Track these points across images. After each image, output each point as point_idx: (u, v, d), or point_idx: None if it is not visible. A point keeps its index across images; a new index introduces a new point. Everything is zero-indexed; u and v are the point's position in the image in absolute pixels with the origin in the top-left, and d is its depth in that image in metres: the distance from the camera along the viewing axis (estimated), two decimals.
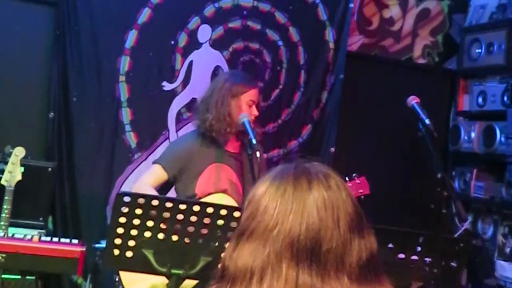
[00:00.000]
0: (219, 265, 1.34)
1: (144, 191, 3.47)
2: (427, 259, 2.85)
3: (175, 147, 3.76)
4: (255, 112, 3.64)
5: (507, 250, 4.57)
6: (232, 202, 3.42)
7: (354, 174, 3.70)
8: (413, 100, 3.40)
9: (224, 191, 3.55)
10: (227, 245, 1.34)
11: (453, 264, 2.88)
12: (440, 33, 5.36)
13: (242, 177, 3.66)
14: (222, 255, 1.33)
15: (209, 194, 3.53)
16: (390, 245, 2.79)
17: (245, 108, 3.59)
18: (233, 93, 3.60)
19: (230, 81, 3.66)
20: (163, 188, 3.70)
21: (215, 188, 3.56)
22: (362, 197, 3.64)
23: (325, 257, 1.25)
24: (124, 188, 4.24)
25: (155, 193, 3.56)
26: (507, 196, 4.59)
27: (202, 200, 3.41)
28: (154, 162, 3.69)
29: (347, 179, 3.61)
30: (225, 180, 3.61)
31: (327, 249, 1.26)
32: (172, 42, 4.45)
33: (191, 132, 3.80)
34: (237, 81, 3.66)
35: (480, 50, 5.03)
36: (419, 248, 2.83)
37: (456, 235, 3.38)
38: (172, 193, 3.74)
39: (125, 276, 3.30)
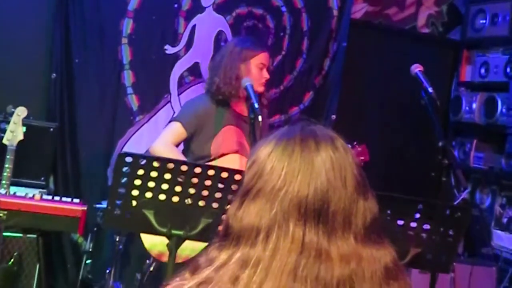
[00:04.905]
0: (222, 224, 1.33)
1: (168, 150, 3.48)
2: (426, 226, 2.87)
3: (194, 106, 3.73)
4: (266, 75, 3.67)
5: (504, 220, 4.61)
6: (244, 163, 3.42)
7: (354, 142, 3.70)
8: (416, 68, 3.40)
9: (236, 153, 3.58)
10: (230, 204, 1.34)
11: (451, 232, 2.90)
12: (445, 3, 5.32)
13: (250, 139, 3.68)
14: (225, 214, 1.34)
15: (223, 155, 3.56)
16: (389, 211, 2.80)
17: (256, 71, 3.61)
18: (242, 57, 3.61)
19: (240, 45, 3.67)
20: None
21: (229, 150, 3.59)
22: (362, 164, 3.64)
23: (333, 217, 1.26)
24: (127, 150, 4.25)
25: (178, 152, 3.59)
26: (506, 167, 4.62)
27: (217, 160, 3.43)
28: (173, 120, 3.69)
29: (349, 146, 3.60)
30: (237, 142, 3.64)
31: (335, 209, 1.26)
32: (176, 6, 4.42)
33: (202, 94, 3.78)
34: (246, 45, 3.68)
35: (484, 21, 5.01)
36: (418, 215, 2.84)
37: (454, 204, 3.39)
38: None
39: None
